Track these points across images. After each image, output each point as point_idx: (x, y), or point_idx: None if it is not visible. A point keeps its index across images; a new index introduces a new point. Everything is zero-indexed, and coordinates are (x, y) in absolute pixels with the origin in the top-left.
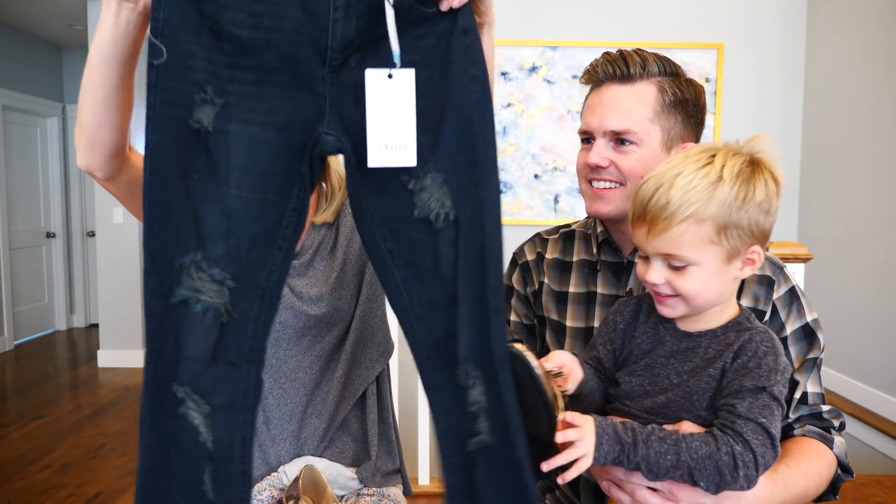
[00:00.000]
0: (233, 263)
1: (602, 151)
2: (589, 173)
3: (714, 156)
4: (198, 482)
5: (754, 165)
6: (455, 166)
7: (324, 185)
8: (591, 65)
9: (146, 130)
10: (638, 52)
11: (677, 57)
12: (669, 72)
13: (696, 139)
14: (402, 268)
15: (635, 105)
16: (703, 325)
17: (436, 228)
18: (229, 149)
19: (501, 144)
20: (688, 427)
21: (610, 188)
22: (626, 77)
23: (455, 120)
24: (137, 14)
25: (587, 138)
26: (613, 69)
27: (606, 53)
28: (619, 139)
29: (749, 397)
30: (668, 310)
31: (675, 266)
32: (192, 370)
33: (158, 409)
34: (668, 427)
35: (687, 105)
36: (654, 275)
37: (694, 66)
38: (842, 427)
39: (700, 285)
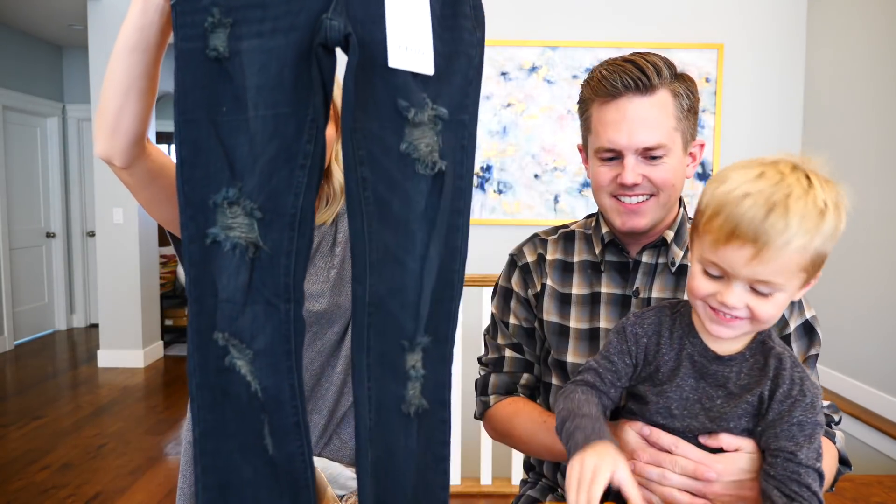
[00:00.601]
0: (260, 192)
1: (635, 169)
2: (616, 189)
3: (809, 178)
4: (258, 437)
5: (840, 195)
6: (451, 122)
7: (324, 186)
8: (602, 76)
9: (174, 74)
10: (645, 58)
11: (677, 57)
12: (674, 74)
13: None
14: (370, 202)
15: (659, 117)
16: (733, 346)
17: (415, 172)
18: (244, 69)
19: (501, 144)
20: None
21: (643, 201)
22: (647, 88)
23: (462, 74)
24: (165, 1)
25: (612, 156)
26: (634, 81)
27: (616, 64)
28: (649, 154)
29: (806, 444)
30: (729, 331)
31: (761, 292)
32: (228, 313)
33: (205, 362)
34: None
35: (695, 105)
36: (736, 299)
37: (694, 66)
38: (839, 421)
39: (778, 311)
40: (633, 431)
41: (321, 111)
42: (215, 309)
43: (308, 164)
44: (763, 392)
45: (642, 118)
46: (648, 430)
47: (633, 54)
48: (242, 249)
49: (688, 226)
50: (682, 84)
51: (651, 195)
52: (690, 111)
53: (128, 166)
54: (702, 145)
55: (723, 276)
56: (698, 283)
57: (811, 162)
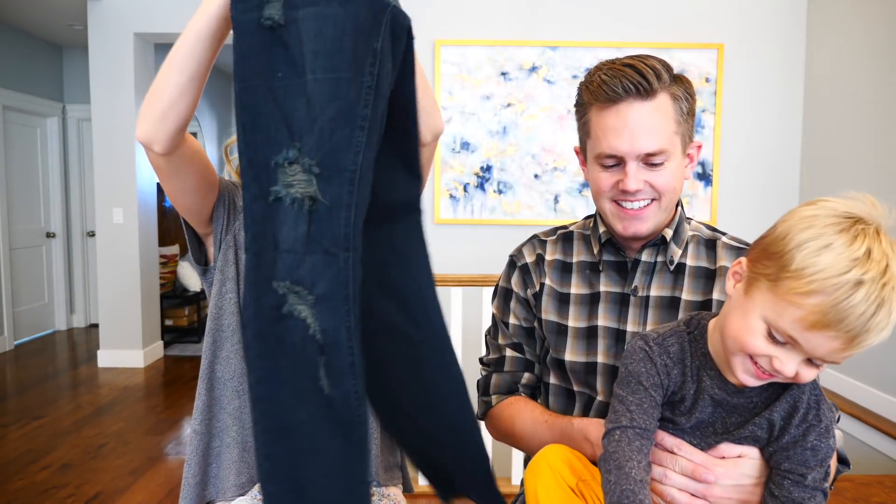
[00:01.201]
0: (319, 150)
1: (637, 175)
2: (618, 195)
3: None
4: (313, 380)
5: None
6: None
7: None
8: (601, 81)
9: (233, 44)
10: (644, 61)
11: (677, 57)
12: (673, 76)
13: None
14: None
15: (660, 122)
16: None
17: None
18: (301, 36)
19: (501, 144)
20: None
21: (645, 206)
22: (648, 92)
23: None
24: None
25: (614, 163)
26: (635, 86)
27: (616, 68)
28: (651, 161)
29: (817, 467)
30: (758, 383)
31: (817, 364)
32: (289, 263)
33: (260, 312)
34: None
35: (693, 107)
36: (792, 368)
37: (694, 66)
38: (838, 420)
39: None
40: None
41: (382, 78)
42: (275, 261)
43: (367, 125)
44: (773, 415)
45: (644, 124)
46: None
47: (632, 57)
48: (300, 203)
49: (686, 225)
50: (681, 87)
51: (653, 200)
52: (689, 114)
53: (168, 152)
54: (699, 146)
55: (787, 344)
56: (757, 343)
57: (884, 213)
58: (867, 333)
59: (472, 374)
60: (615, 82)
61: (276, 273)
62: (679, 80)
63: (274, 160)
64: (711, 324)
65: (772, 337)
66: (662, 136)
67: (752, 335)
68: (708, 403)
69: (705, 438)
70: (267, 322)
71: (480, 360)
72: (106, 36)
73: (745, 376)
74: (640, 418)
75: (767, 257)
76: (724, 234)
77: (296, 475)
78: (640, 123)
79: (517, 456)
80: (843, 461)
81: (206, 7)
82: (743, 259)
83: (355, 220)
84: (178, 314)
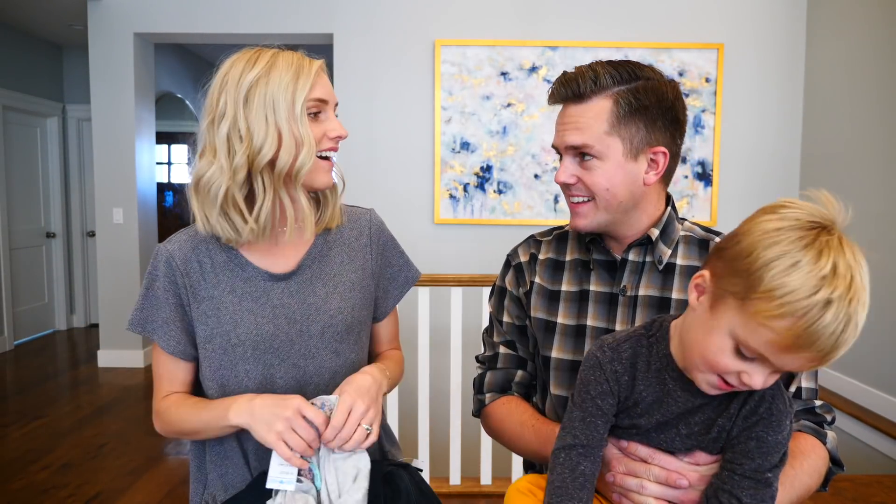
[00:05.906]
0: None
1: (569, 168)
2: (564, 188)
3: (861, 264)
4: None
5: None
6: None
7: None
8: (555, 87)
9: None
10: (593, 66)
11: (677, 57)
12: (627, 79)
13: (672, 139)
14: None
15: (590, 121)
16: None
17: None
18: None
19: (501, 144)
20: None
21: (583, 202)
22: (578, 96)
23: None
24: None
25: (561, 157)
26: (566, 90)
27: (564, 73)
28: (580, 154)
29: (759, 458)
30: (718, 392)
31: (780, 372)
32: None
33: None
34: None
35: (648, 111)
36: (762, 381)
37: (694, 66)
38: (832, 421)
39: None
40: (609, 443)
41: None
42: None
43: None
44: (733, 412)
45: (573, 121)
46: (626, 442)
47: (590, 64)
48: None
49: (676, 224)
50: (631, 91)
51: (590, 198)
52: (634, 116)
53: None
54: (665, 153)
55: (756, 359)
56: (726, 361)
57: (840, 211)
58: (837, 350)
59: (470, 373)
60: (558, 89)
61: None
62: (635, 86)
63: None
64: (673, 325)
65: (740, 353)
66: (589, 134)
67: (720, 353)
68: (671, 408)
69: (672, 442)
70: None
71: (476, 357)
72: (106, 36)
73: (710, 388)
74: (582, 434)
75: (733, 274)
76: (718, 234)
77: None
78: (571, 121)
79: (517, 456)
80: (836, 462)
81: (221, 421)
82: (705, 272)
83: None
84: None
